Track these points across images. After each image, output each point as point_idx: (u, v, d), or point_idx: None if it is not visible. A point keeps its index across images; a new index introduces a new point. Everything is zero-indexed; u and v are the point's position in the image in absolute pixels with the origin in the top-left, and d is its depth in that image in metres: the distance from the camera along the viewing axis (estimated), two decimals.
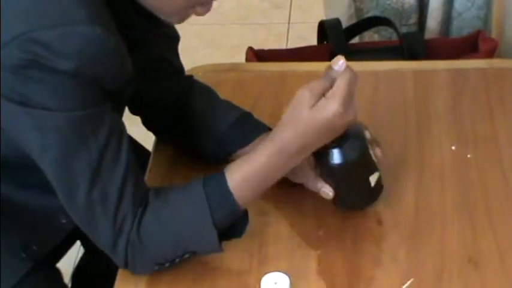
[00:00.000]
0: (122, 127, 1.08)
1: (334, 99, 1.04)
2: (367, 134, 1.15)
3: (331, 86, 1.05)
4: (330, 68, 1.07)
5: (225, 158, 1.26)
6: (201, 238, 1.08)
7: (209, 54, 2.69)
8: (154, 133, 1.37)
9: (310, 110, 1.05)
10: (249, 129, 1.26)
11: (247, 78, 1.54)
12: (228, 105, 1.30)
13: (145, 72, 1.19)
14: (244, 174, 1.08)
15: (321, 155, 1.12)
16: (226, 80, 1.50)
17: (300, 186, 1.19)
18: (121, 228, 1.05)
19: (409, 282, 1.10)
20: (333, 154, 1.11)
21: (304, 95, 1.06)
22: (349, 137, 1.11)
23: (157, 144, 1.38)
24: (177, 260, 1.09)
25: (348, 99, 1.05)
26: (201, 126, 1.27)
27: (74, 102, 1.01)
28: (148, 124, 1.35)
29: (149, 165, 1.33)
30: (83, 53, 0.98)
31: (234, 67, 1.58)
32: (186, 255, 1.09)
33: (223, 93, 1.35)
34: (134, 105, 1.29)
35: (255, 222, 1.21)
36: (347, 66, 1.06)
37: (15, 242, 1.20)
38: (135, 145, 1.43)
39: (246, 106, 1.33)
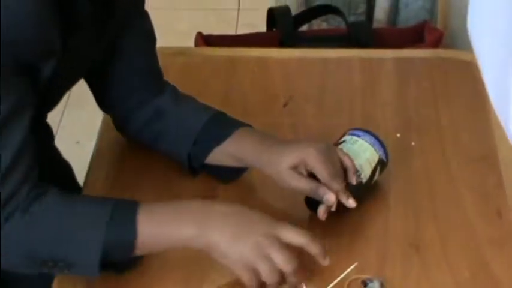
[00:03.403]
0: (28, 107, 1.05)
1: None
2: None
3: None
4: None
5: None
6: (84, 248, 1.05)
7: (158, 39, 2.66)
8: (127, 136, 1.33)
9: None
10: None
11: (195, 62, 1.53)
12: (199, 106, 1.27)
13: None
14: (154, 230, 1.06)
15: None
16: (174, 64, 1.49)
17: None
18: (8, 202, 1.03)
19: (352, 267, 1.11)
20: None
21: (264, 224, 1.07)
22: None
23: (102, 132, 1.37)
24: (50, 263, 1.05)
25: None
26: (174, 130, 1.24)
27: None
28: (119, 127, 1.32)
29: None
30: None
31: (181, 51, 1.57)
32: (61, 264, 1.05)
33: (171, 78, 1.33)
34: (104, 102, 1.29)
35: None
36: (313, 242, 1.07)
37: None
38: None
39: (194, 90, 1.32)
